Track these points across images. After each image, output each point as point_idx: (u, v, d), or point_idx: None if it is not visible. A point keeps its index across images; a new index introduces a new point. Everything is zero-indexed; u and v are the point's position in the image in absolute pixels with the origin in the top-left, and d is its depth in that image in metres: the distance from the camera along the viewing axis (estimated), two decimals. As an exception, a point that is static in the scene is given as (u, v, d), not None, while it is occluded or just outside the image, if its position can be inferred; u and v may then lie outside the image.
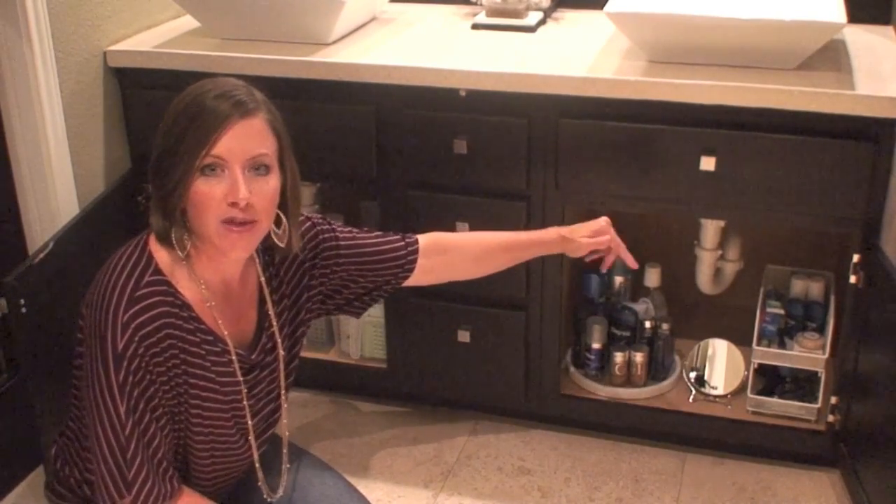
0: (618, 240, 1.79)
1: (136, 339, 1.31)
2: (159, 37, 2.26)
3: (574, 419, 2.26)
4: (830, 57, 1.95)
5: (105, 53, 2.16)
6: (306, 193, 2.42)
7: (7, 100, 1.94)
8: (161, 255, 1.38)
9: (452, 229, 2.08)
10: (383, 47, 2.13)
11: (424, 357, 2.25)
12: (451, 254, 1.74)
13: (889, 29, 2.18)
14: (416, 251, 1.69)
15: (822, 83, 1.81)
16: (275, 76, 2.07)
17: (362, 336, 2.38)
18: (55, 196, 2.00)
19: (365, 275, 1.66)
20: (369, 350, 2.38)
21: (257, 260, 1.51)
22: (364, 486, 2.05)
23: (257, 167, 1.35)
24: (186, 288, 1.39)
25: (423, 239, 1.71)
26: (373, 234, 1.68)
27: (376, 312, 2.35)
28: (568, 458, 2.19)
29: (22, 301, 1.56)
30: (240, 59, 2.08)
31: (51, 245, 1.66)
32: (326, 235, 1.61)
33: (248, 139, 1.33)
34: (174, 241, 1.37)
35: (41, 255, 1.63)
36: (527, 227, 2.04)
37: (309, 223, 1.59)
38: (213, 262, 1.41)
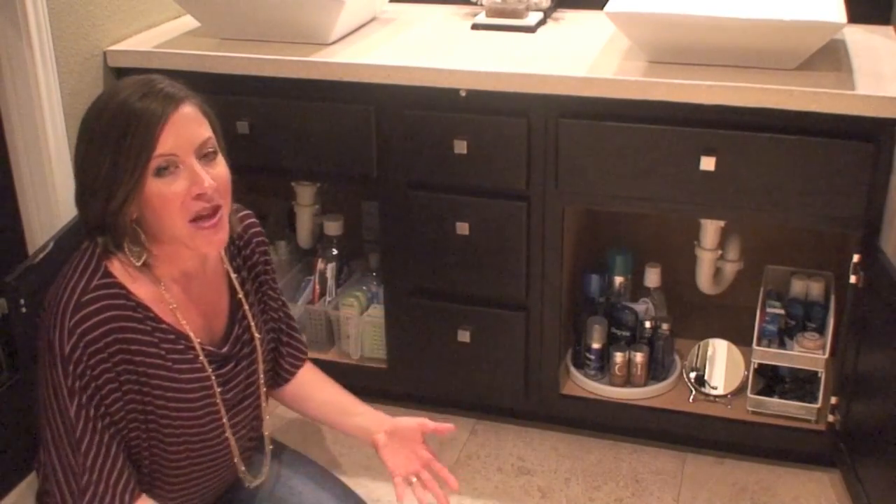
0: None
1: (82, 344, 1.30)
2: (159, 37, 2.26)
3: (574, 419, 2.26)
4: (830, 57, 1.95)
5: (105, 53, 2.16)
6: (306, 193, 2.42)
7: (7, 100, 1.94)
8: (112, 257, 1.37)
9: (453, 229, 2.09)
10: (383, 47, 2.13)
11: (424, 357, 2.25)
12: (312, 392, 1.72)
13: (889, 29, 2.18)
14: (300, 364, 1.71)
15: (822, 83, 1.81)
16: (275, 76, 2.07)
17: (362, 336, 2.38)
18: (55, 196, 2.00)
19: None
20: (369, 350, 2.38)
21: (222, 251, 1.51)
22: (364, 486, 2.05)
23: (206, 153, 1.34)
24: (143, 288, 1.37)
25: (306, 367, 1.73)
26: (288, 317, 1.69)
27: (376, 312, 2.35)
28: (568, 458, 2.19)
29: (22, 301, 1.56)
30: (240, 59, 2.08)
31: (51, 245, 1.66)
32: (272, 274, 1.64)
33: (189, 127, 1.32)
34: (128, 252, 1.36)
35: (41, 255, 1.62)
36: (527, 228, 2.05)
37: (263, 238, 1.61)
38: (172, 260, 1.40)
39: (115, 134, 1.29)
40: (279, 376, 1.68)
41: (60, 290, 1.34)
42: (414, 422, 1.64)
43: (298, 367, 1.70)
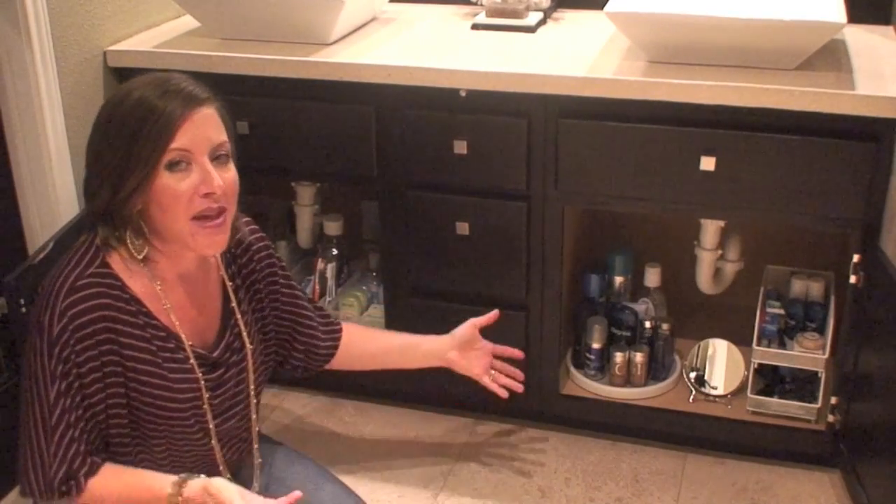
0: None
1: (71, 328, 1.31)
2: (159, 37, 2.26)
3: (574, 419, 2.26)
4: (830, 57, 1.95)
5: (105, 53, 2.16)
6: (306, 193, 2.42)
7: (7, 100, 1.94)
8: (112, 251, 1.37)
9: (453, 229, 2.09)
10: (383, 47, 2.13)
11: (424, 357, 2.25)
12: (360, 346, 1.81)
13: (889, 29, 2.18)
14: (338, 338, 1.77)
15: (822, 83, 1.81)
16: (275, 76, 2.07)
17: (362, 336, 2.38)
18: (55, 196, 2.00)
19: (289, 335, 1.68)
20: (369, 350, 2.38)
21: (218, 256, 1.51)
22: (364, 487, 2.05)
23: (219, 156, 1.35)
24: (139, 284, 1.38)
25: (345, 330, 1.78)
26: (309, 305, 1.71)
27: (376, 312, 2.35)
28: (568, 458, 2.19)
29: (22, 301, 1.56)
30: (240, 59, 2.08)
31: (51, 245, 1.66)
32: (281, 273, 1.64)
33: (207, 128, 1.34)
34: (129, 245, 1.36)
35: (41, 255, 1.63)
36: (527, 228, 2.05)
37: (265, 242, 1.62)
38: (171, 259, 1.40)
39: (133, 124, 1.30)
40: (326, 354, 1.74)
41: (55, 277, 1.35)
42: (466, 326, 1.87)
43: (339, 341, 1.76)
